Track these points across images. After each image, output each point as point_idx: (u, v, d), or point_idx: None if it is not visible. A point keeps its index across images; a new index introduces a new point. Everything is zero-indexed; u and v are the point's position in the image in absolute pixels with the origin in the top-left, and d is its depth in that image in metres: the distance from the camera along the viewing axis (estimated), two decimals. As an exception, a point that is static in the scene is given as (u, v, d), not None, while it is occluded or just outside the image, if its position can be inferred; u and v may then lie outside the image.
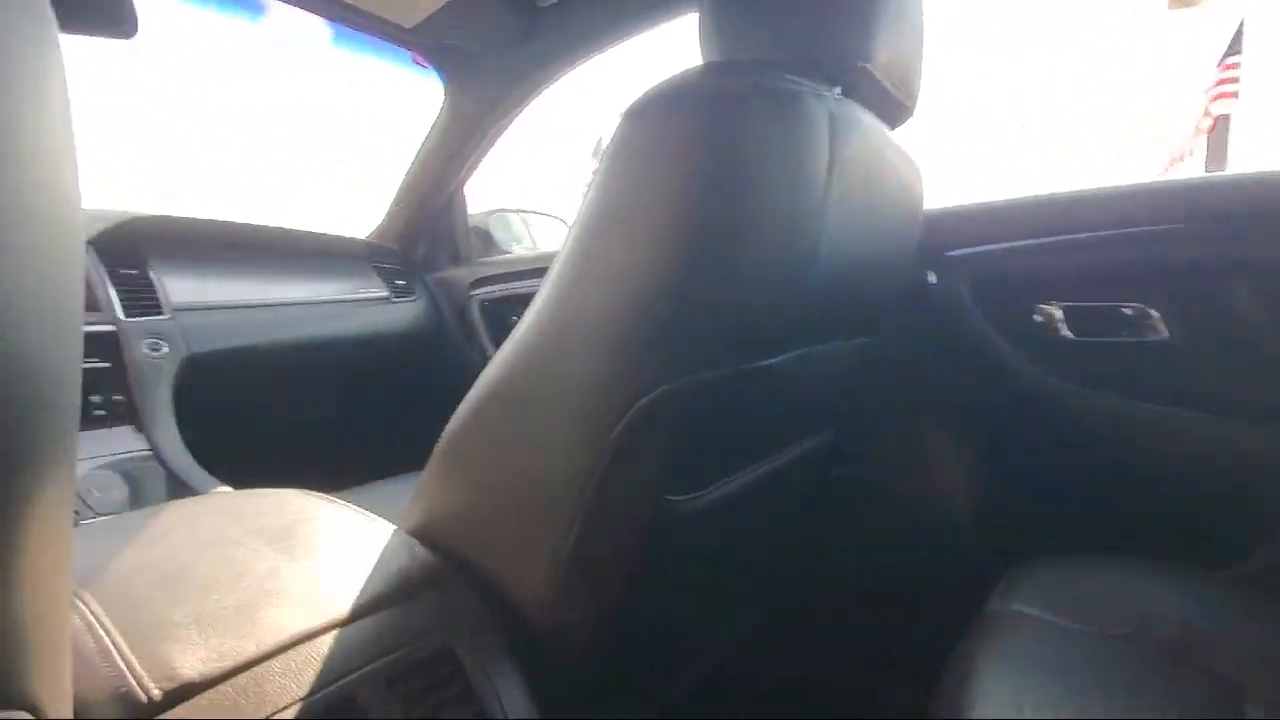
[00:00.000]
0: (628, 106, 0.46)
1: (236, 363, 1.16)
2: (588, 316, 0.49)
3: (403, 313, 1.51)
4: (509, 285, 1.47)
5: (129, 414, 0.98)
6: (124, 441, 0.95)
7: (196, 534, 0.54)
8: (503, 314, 1.53)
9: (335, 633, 0.46)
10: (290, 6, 1.09)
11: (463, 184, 1.54)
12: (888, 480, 0.98)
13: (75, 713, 0.49)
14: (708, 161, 0.43)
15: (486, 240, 1.71)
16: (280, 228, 1.40)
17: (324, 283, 1.40)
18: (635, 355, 0.48)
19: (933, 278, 0.89)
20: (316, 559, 0.53)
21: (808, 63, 0.52)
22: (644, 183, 0.45)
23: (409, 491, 1.09)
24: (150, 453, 0.94)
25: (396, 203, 1.56)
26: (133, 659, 0.40)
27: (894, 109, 0.62)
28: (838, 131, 0.50)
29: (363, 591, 0.50)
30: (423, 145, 1.45)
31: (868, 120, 0.56)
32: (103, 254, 1.08)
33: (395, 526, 0.62)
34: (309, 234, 1.44)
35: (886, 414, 0.98)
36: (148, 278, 1.11)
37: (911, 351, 0.94)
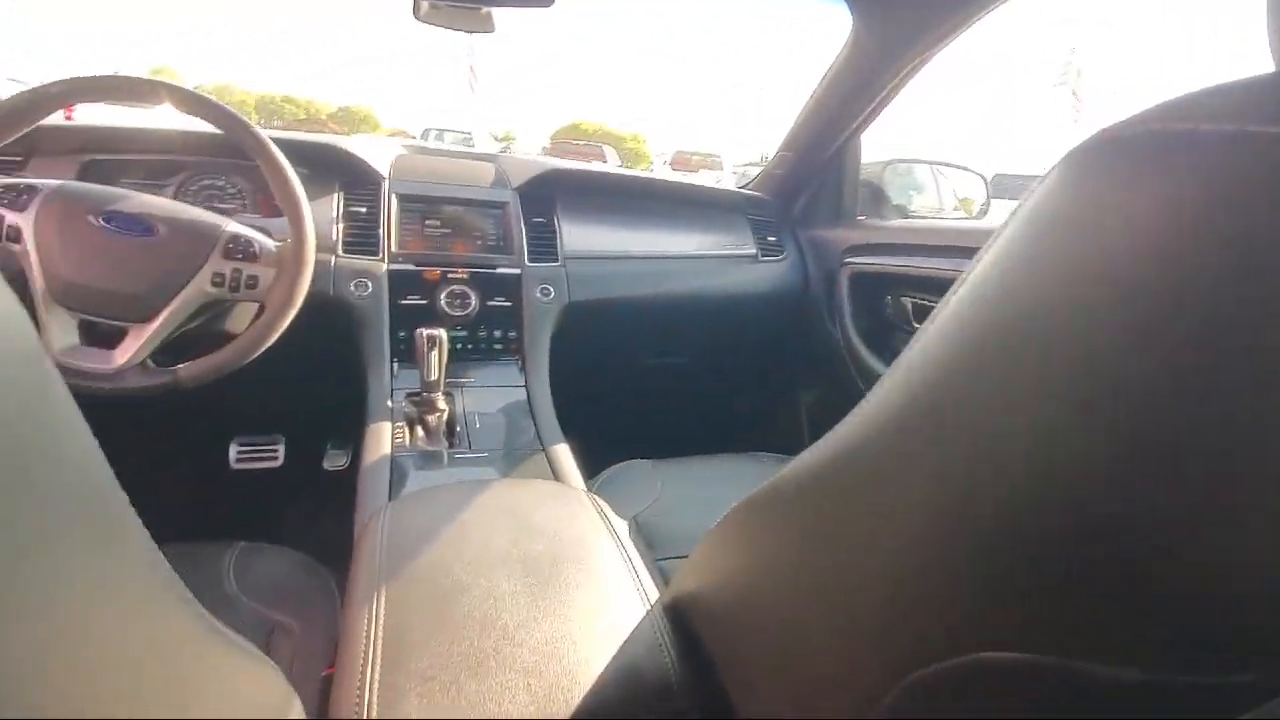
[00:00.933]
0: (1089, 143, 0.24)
1: (606, 313, 1.24)
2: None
3: (768, 273, 1.42)
4: (888, 260, 1.24)
5: (517, 351, 1.14)
6: (509, 375, 1.10)
7: (486, 548, 0.55)
8: (874, 293, 1.32)
9: None
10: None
11: (859, 132, 1.33)
12: None
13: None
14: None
15: (877, 196, 1.48)
16: (665, 180, 1.42)
17: (697, 235, 1.39)
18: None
19: None
20: (565, 622, 0.50)
21: None
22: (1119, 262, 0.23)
23: (728, 484, 1.03)
24: (524, 387, 1.07)
25: (781, 149, 1.44)
26: (376, 703, 0.42)
27: None
28: None
29: (595, 696, 0.44)
30: (818, 85, 1.27)
31: None
32: (525, 202, 1.24)
33: (656, 596, 0.55)
34: (690, 185, 1.44)
35: None
36: (552, 226, 1.24)
37: None
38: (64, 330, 0.79)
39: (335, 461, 1.44)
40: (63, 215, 0.78)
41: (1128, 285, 0.21)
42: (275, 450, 1.43)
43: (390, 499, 0.76)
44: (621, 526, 0.88)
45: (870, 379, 1.26)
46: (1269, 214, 0.18)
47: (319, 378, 1.27)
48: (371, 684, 0.43)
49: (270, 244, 0.86)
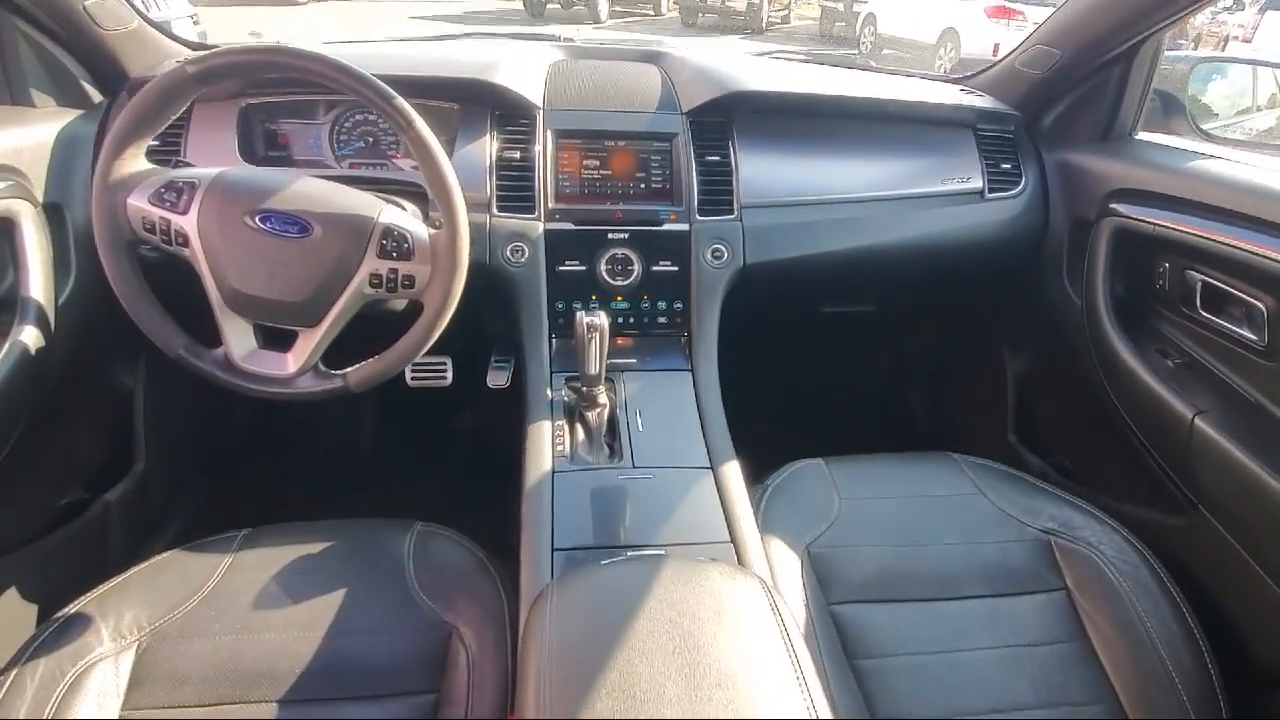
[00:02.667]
0: None
1: (784, 274, 1.06)
2: None
3: (995, 213, 1.12)
4: (1176, 217, 0.92)
5: (683, 324, 1.01)
6: (673, 357, 0.98)
7: (655, 703, 0.49)
8: (1144, 256, 1.00)
9: None
10: None
11: (1169, 28, 0.93)
12: None
13: None
14: None
15: (1171, 107, 1.08)
16: (872, 94, 1.12)
17: (908, 164, 1.11)
18: None
19: None
20: None
21: None
22: None
23: (912, 505, 0.90)
24: (689, 372, 0.96)
25: (1039, 40, 1.07)
26: None
27: None
28: None
29: None
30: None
31: None
32: (696, 132, 1.04)
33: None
34: (903, 100, 1.13)
35: None
36: (728, 166, 1.04)
37: None
38: (240, 337, 0.78)
39: (497, 379, 1.48)
40: (220, 216, 0.74)
41: None
42: (444, 370, 1.48)
43: (556, 543, 0.73)
44: (793, 578, 0.80)
45: (1115, 371, 1.00)
46: None
47: (477, 312, 1.25)
48: None
49: (424, 234, 0.78)
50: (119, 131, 0.72)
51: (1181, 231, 0.91)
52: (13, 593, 0.88)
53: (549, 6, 10.92)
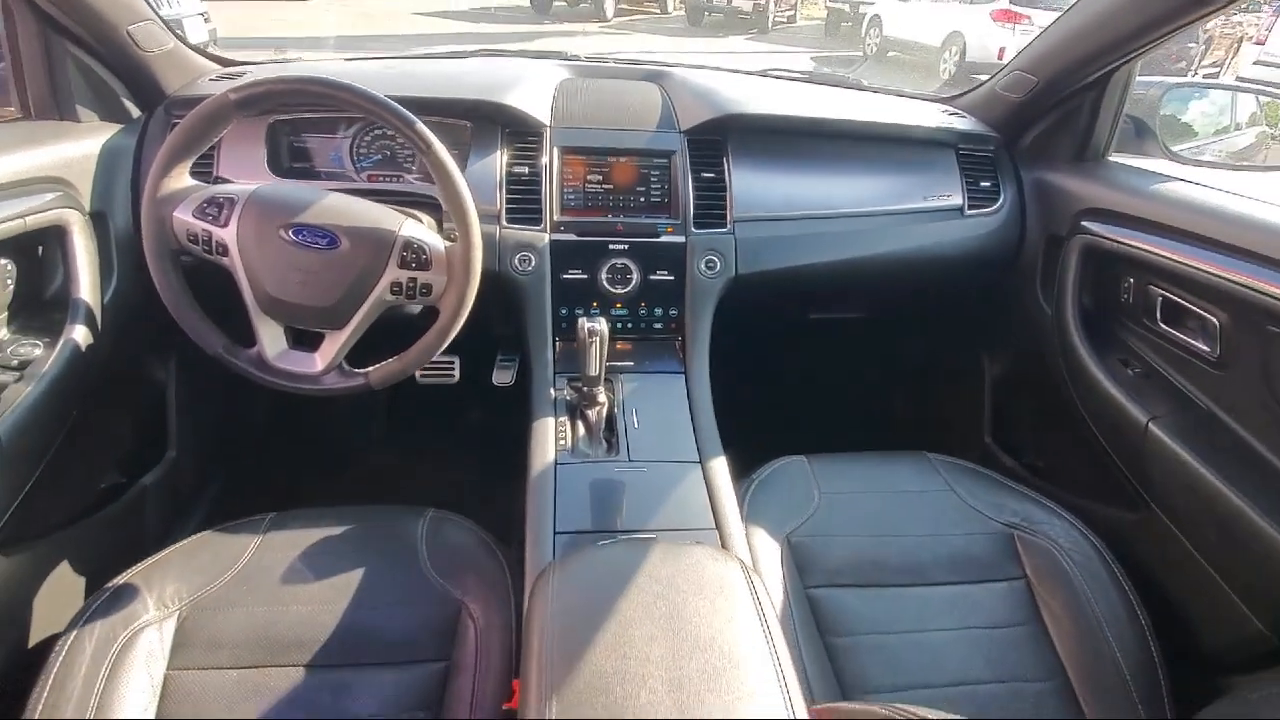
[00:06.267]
0: None
1: (773, 285, 1.13)
2: None
3: (975, 228, 1.19)
4: (1141, 237, 0.99)
5: (678, 330, 1.08)
6: (668, 360, 1.05)
7: (646, 661, 0.57)
8: (1111, 271, 1.07)
9: None
10: None
11: (1139, 59, 1.00)
12: None
13: None
14: None
15: (1143, 131, 1.15)
16: (860, 116, 1.19)
17: (893, 182, 1.18)
18: None
19: None
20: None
21: None
22: None
23: (888, 501, 0.97)
24: (683, 375, 1.03)
25: (1018, 68, 1.14)
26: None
27: None
28: None
29: None
30: (1091, -2, 0.96)
31: None
32: (693, 149, 1.11)
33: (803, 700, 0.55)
34: (889, 123, 1.20)
35: None
36: (723, 182, 1.11)
37: None
38: (274, 337, 0.86)
39: (502, 377, 1.55)
40: (257, 229, 0.81)
41: None
42: (452, 368, 1.55)
43: (559, 527, 0.80)
44: (773, 564, 0.87)
45: (1080, 378, 1.07)
46: None
47: (486, 314, 1.33)
48: None
49: (440, 246, 0.85)
50: (167, 151, 0.80)
51: (1145, 250, 0.98)
52: (64, 567, 0.96)
53: (555, 4, 10.96)
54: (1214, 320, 0.92)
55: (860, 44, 10.01)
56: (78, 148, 0.94)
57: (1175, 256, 0.93)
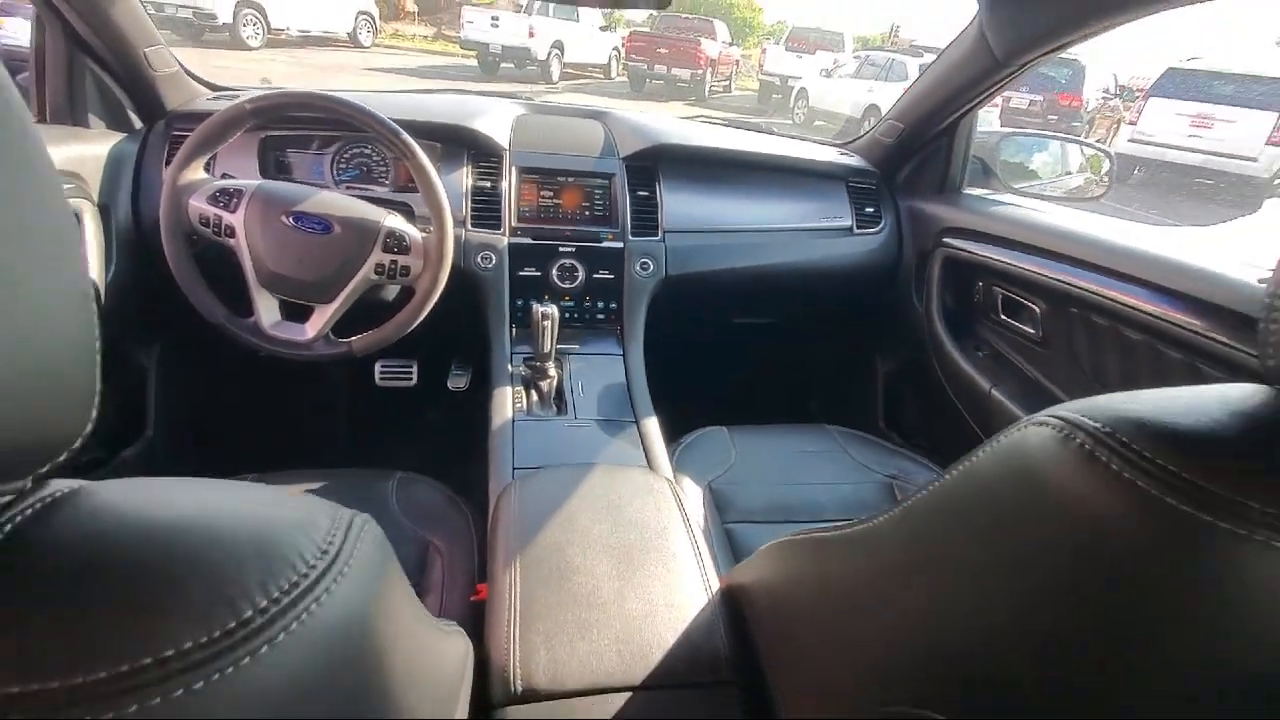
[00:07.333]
0: None
1: (700, 283, 1.34)
2: None
3: (862, 246, 1.45)
4: (984, 249, 1.25)
5: (617, 321, 1.28)
6: (609, 345, 1.25)
7: (590, 535, 0.73)
8: (965, 278, 1.33)
9: (629, 694, 0.59)
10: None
11: (976, 111, 1.29)
12: None
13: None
14: None
15: (987, 170, 1.44)
16: (771, 152, 1.44)
17: (795, 205, 1.43)
18: None
19: None
20: (647, 603, 0.67)
21: None
22: None
23: (793, 458, 1.16)
24: (621, 357, 1.22)
25: (891, 117, 1.42)
26: (518, 651, 0.61)
27: None
28: None
29: (665, 661, 0.62)
30: (936, 64, 1.24)
31: None
32: (630, 173, 1.33)
33: (721, 583, 0.71)
34: (792, 157, 1.46)
35: None
36: (654, 200, 1.32)
37: None
38: (269, 309, 1.00)
39: (457, 382, 1.69)
40: (262, 216, 0.96)
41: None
42: (410, 371, 1.68)
43: (516, 464, 0.95)
44: (697, 505, 1.04)
45: (947, 364, 1.31)
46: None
47: (446, 316, 1.48)
48: (514, 639, 0.63)
49: (418, 236, 1.02)
50: (189, 147, 0.95)
51: (988, 259, 1.24)
52: None
53: (503, 65, 11.45)
54: (1036, 310, 1.17)
55: (790, 113, 10.87)
56: (90, 149, 1.07)
57: (1010, 262, 1.19)
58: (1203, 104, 7.55)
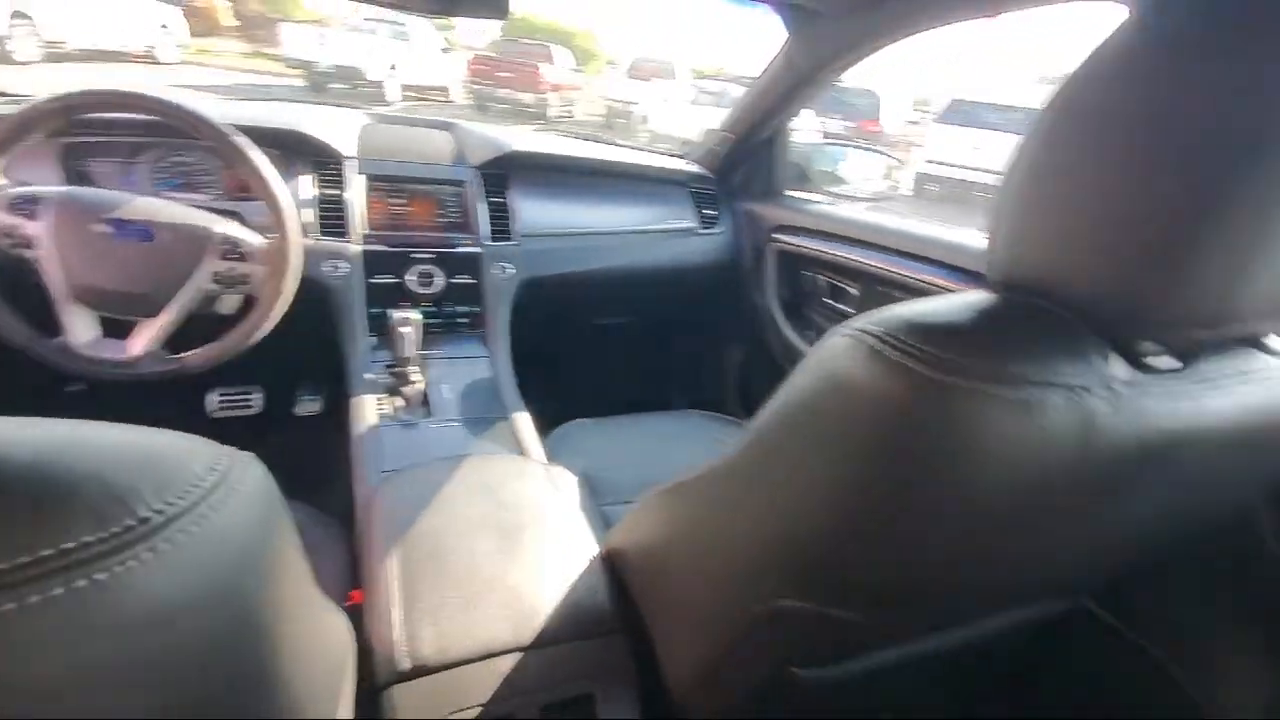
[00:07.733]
0: None
1: (558, 284, 1.39)
2: None
3: (705, 245, 1.58)
4: (808, 243, 1.42)
5: (481, 324, 1.29)
6: (474, 348, 1.25)
7: (468, 518, 0.74)
8: (795, 269, 1.50)
9: (519, 655, 0.62)
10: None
11: (788, 120, 1.47)
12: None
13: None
14: None
15: (802, 176, 1.63)
16: (618, 159, 1.53)
17: (643, 209, 1.53)
18: None
19: None
20: (530, 571, 0.70)
21: None
22: None
23: (657, 441, 1.24)
24: (487, 358, 1.23)
25: (723, 129, 1.57)
26: (403, 630, 0.61)
27: None
28: None
29: (552, 621, 0.65)
30: (756, 81, 1.40)
31: None
32: (485, 179, 1.35)
33: (599, 550, 0.75)
34: (638, 164, 1.56)
35: None
36: (508, 206, 1.36)
37: None
38: (86, 325, 0.90)
39: (308, 408, 1.59)
40: (73, 223, 0.87)
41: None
42: (251, 399, 1.55)
43: (383, 467, 0.93)
44: (571, 486, 1.08)
45: (786, 346, 1.46)
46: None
47: (294, 334, 1.40)
48: (397, 621, 0.63)
49: (257, 242, 0.97)
50: None
51: (813, 250, 1.41)
52: None
53: (331, 85, 10.83)
54: (854, 293, 1.35)
55: (633, 136, 11.32)
56: None
57: (831, 252, 1.36)
58: (978, 130, 8.95)
